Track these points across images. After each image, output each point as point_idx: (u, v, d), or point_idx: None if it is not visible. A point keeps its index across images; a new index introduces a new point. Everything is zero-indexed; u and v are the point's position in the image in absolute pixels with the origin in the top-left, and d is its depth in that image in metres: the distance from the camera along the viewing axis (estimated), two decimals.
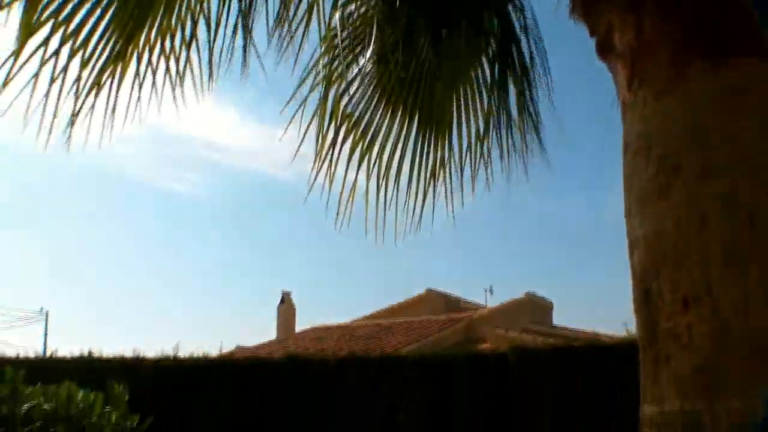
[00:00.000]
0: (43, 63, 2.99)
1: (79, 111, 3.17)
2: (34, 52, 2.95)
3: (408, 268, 34.32)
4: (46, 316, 38.59)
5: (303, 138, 3.70)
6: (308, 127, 3.72)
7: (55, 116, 3.05)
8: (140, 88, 3.33)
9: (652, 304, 1.94)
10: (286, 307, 26.35)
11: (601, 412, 7.30)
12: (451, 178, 4.10)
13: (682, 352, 1.85)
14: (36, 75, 2.97)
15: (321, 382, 9.19)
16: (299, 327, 25.09)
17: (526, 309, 22.45)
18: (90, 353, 12.52)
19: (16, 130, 2.95)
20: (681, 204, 1.90)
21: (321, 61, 3.71)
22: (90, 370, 7.14)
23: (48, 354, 13.72)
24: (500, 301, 22.80)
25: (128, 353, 11.91)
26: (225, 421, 9.82)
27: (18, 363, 10.40)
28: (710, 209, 1.85)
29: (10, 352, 13.31)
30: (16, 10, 2.86)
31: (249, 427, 9.47)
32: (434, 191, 4.09)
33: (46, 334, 38.12)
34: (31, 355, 14.46)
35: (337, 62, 3.76)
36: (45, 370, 7.42)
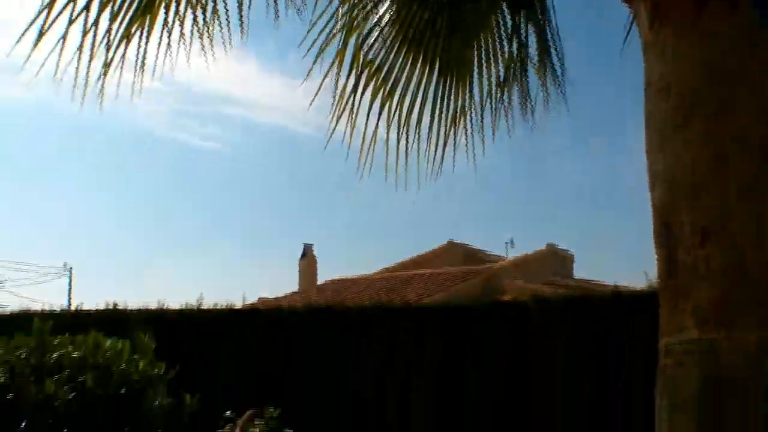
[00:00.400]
0: (72, 20, 3.03)
1: (110, 62, 3.22)
2: (64, 8, 3.00)
3: (429, 220, 34.42)
4: (70, 271, 39.11)
5: (322, 83, 3.74)
6: (326, 74, 3.75)
7: (87, 71, 3.11)
8: (169, 37, 3.37)
9: (672, 237, 2.01)
10: (307, 260, 26.56)
11: (621, 360, 7.35)
12: (471, 127, 4.13)
13: (701, 284, 1.93)
14: (66, 30, 3.02)
15: (342, 331, 9.30)
16: (320, 280, 25.31)
17: (547, 261, 22.47)
18: (115, 305, 12.73)
19: (44, 89, 3.00)
20: (699, 140, 1.98)
21: (341, 9, 3.74)
22: (115, 322, 7.28)
23: (72, 308, 13.91)
24: (520, 254, 22.81)
25: (152, 306, 12.20)
26: (248, 370, 10.02)
27: (44, 316, 10.54)
28: (727, 145, 1.93)
29: (35, 308, 13.49)
30: None
31: (271, 375, 9.64)
32: (455, 140, 4.12)
33: (70, 290, 38.66)
34: (56, 309, 14.76)
35: (357, 10, 3.79)
36: (71, 323, 7.56)
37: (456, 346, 8.34)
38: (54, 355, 6.58)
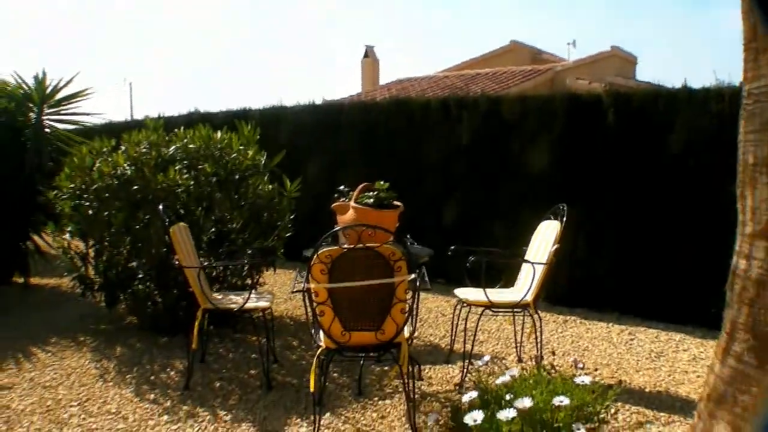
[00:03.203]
0: None
1: None
2: None
3: (491, 21, 34.01)
4: (130, 86, 39.95)
5: None
6: None
7: None
8: None
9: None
10: (369, 61, 26.83)
11: (690, 156, 7.48)
12: None
13: None
14: None
15: (422, 120, 9.76)
16: (382, 81, 25.63)
17: (611, 63, 22.33)
18: (197, 109, 13.45)
19: None
20: None
21: None
22: (203, 124, 7.69)
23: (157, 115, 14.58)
24: (583, 56, 22.60)
25: (233, 107, 12.81)
26: (332, 158, 10.75)
27: (136, 124, 11.16)
28: None
29: (99, 121, 14.09)
30: None
31: (356, 161, 10.26)
32: None
33: (131, 102, 39.62)
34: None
35: None
36: (163, 128, 7.93)
37: (534, 136, 8.53)
38: (171, 148, 7.28)
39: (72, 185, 7.23)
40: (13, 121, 9.86)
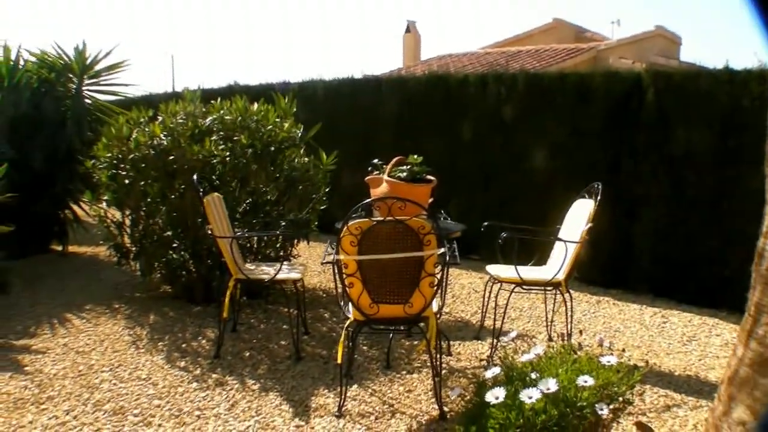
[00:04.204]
0: None
1: None
2: None
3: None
4: (172, 58, 40.25)
5: None
6: None
7: None
8: None
9: None
10: (411, 36, 26.72)
11: (730, 137, 7.34)
12: None
13: None
14: None
15: (459, 95, 9.70)
16: (424, 57, 25.52)
17: (654, 43, 22.02)
18: (236, 82, 13.48)
19: None
20: None
21: None
22: (239, 97, 7.70)
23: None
24: (627, 35, 22.27)
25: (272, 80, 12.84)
26: (368, 132, 10.75)
27: (168, 97, 11.20)
28: None
29: (139, 92, 14.20)
30: None
31: (392, 135, 10.26)
32: None
33: (173, 74, 39.96)
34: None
35: None
36: (201, 99, 7.92)
37: (575, 115, 8.46)
38: (208, 119, 7.31)
39: (109, 155, 7.30)
40: (53, 92, 9.99)
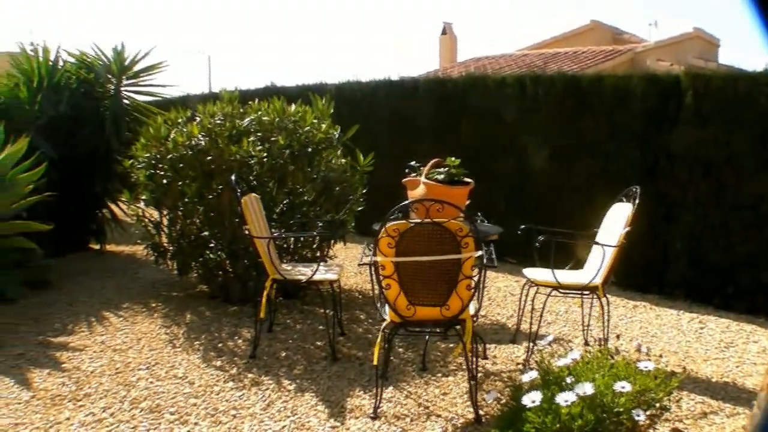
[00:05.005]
0: None
1: None
2: None
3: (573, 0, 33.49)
4: (209, 59, 40.55)
5: None
6: None
7: None
8: None
9: None
10: (447, 38, 26.68)
11: None
12: None
13: None
14: None
15: (497, 97, 9.63)
16: (460, 59, 25.45)
17: (693, 45, 21.75)
18: (272, 83, 13.52)
19: None
20: None
21: None
22: (277, 98, 7.74)
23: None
24: (664, 37, 22.00)
25: (309, 82, 12.87)
26: (405, 134, 10.74)
27: (205, 98, 11.26)
28: None
29: (176, 93, 14.30)
30: None
31: (429, 137, 10.23)
32: None
33: (210, 75, 40.21)
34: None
35: None
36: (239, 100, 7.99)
37: (612, 118, 8.38)
38: (245, 120, 7.33)
39: (147, 155, 7.36)
40: (92, 92, 10.10)
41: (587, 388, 3.48)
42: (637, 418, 3.45)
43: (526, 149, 9.30)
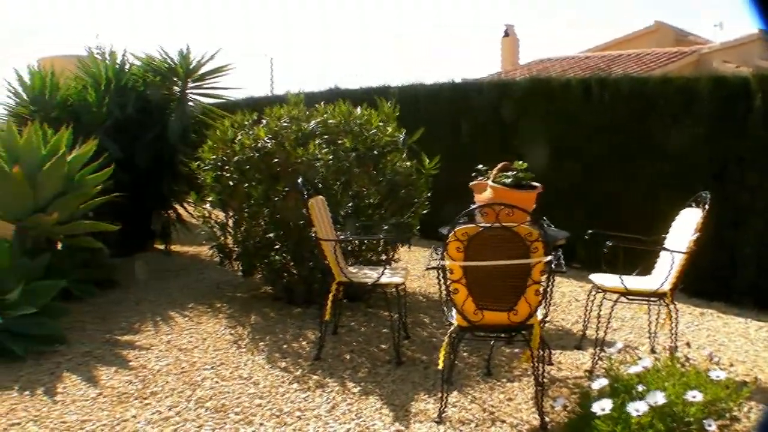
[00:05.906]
0: None
1: None
2: None
3: (636, 1, 33.10)
4: (271, 61, 40.87)
5: None
6: None
7: None
8: None
9: None
10: (509, 40, 26.54)
11: None
12: None
13: None
14: None
15: (561, 99, 9.55)
16: (522, 61, 25.30)
17: (759, 46, 21.33)
18: (336, 86, 13.56)
19: None
20: None
21: None
22: (340, 101, 7.77)
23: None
24: (730, 38, 21.56)
25: (373, 84, 12.90)
26: (470, 137, 10.71)
27: (269, 100, 11.34)
28: None
29: (240, 95, 14.47)
30: None
31: (493, 140, 10.18)
32: None
33: (272, 79, 40.56)
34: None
35: None
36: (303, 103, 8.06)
37: (677, 121, 8.27)
38: (312, 123, 7.38)
39: (214, 157, 7.46)
40: (158, 94, 10.26)
41: (659, 398, 3.44)
42: (708, 428, 3.40)
43: (589, 152, 9.20)
